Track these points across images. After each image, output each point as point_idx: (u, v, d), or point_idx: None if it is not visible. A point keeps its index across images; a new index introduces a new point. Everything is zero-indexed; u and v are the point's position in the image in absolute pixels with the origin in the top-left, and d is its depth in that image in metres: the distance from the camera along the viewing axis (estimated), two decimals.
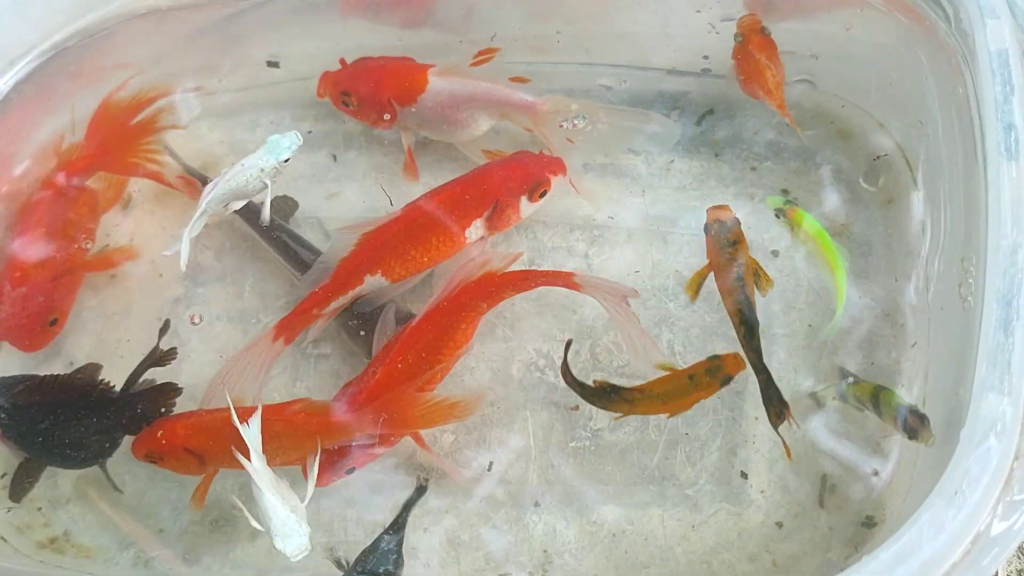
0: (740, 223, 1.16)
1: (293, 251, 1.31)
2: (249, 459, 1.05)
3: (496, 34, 1.37)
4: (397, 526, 1.11)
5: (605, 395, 1.13)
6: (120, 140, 1.34)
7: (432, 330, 1.15)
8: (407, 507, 1.11)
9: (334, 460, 1.11)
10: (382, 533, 1.10)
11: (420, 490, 1.14)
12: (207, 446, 1.11)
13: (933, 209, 1.17)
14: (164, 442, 1.12)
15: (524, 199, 1.26)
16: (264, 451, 1.07)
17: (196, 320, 1.34)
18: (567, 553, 1.19)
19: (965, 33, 1.05)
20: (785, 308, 1.27)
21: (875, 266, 1.26)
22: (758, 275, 1.13)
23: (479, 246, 1.27)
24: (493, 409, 1.25)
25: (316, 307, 1.22)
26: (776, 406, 1.09)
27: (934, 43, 1.12)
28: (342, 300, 1.23)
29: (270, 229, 1.31)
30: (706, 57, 1.36)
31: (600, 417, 1.24)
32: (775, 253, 1.29)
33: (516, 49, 1.38)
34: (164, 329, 1.24)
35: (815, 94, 1.34)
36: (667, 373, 1.11)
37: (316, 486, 1.08)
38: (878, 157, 1.30)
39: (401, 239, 1.22)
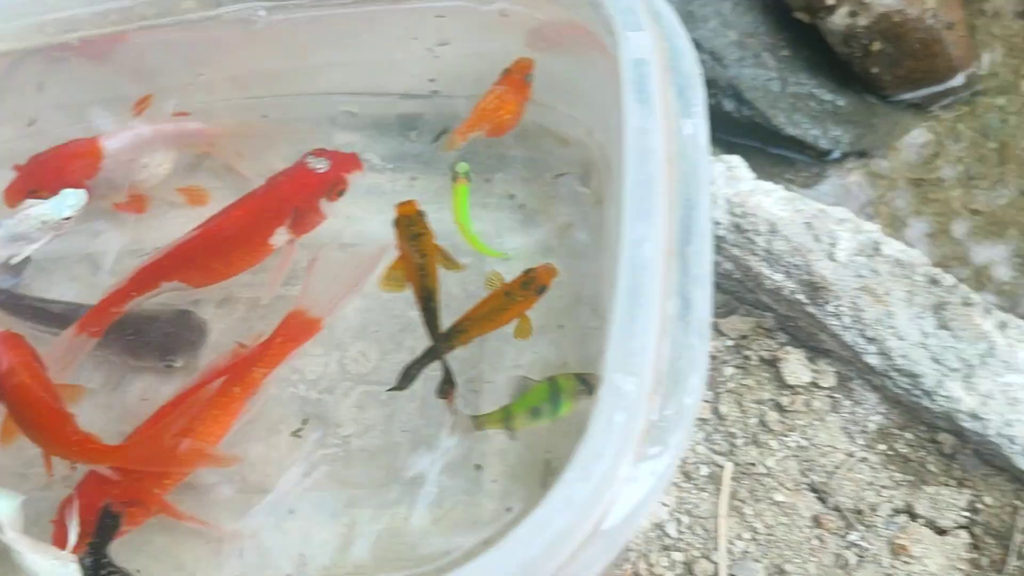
0: (424, 215, 1.26)
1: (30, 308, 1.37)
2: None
3: (202, 74, 1.44)
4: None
5: (445, 339, 1.21)
6: None
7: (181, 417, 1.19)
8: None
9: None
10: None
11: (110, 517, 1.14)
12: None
13: (612, 209, 1.26)
14: None
15: (324, 201, 1.32)
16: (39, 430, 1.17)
17: None
18: (321, 555, 1.26)
19: (617, 45, 1.14)
20: None
21: (588, 262, 1.35)
22: (449, 260, 1.25)
23: (289, 249, 1.33)
24: (252, 426, 1.31)
25: (114, 306, 1.28)
26: (446, 385, 1.21)
27: (604, 54, 1.20)
28: (139, 300, 1.29)
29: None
30: (432, 80, 1.45)
31: (349, 424, 1.32)
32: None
33: (240, 86, 1.46)
34: None
35: (534, 106, 1.42)
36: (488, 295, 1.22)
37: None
38: (559, 175, 1.40)
39: (200, 254, 1.28)
